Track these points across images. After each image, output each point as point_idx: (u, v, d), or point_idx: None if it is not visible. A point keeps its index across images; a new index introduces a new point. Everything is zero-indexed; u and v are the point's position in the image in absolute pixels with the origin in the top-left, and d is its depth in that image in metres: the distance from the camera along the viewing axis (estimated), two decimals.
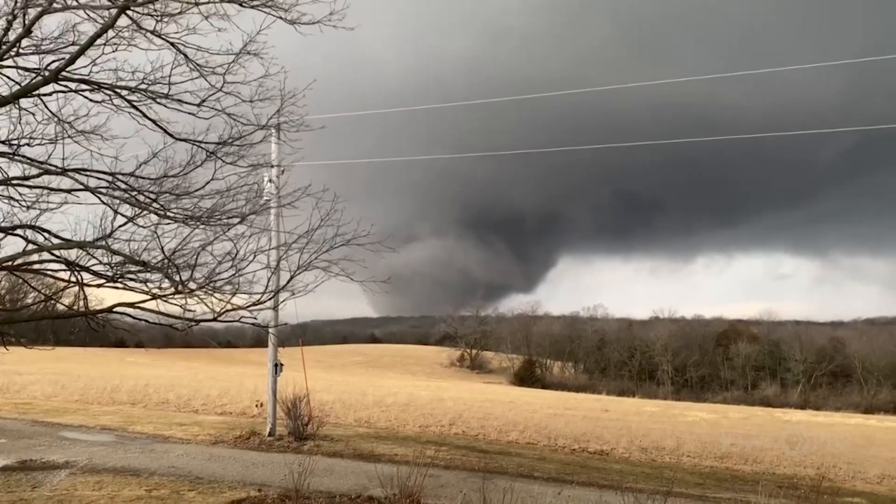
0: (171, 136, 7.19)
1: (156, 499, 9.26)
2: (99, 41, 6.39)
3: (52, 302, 8.46)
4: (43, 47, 6.65)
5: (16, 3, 6.13)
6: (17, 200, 7.13)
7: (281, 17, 6.83)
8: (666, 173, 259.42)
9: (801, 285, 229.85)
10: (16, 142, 6.97)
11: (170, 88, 6.80)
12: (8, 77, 6.73)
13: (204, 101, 6.98)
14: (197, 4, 6.52)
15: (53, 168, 6.79)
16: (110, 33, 6.42)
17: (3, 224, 6.97)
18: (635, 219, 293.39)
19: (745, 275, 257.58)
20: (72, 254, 7.01)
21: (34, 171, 6.84)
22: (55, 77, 6.44)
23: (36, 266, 7.20)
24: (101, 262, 7.10)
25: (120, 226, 7.05)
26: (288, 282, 8.03)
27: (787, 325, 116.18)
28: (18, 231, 6.99)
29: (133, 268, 7.07)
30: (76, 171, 6.84)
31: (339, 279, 8.34)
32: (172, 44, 6.70)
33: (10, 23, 6.27)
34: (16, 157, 6.87)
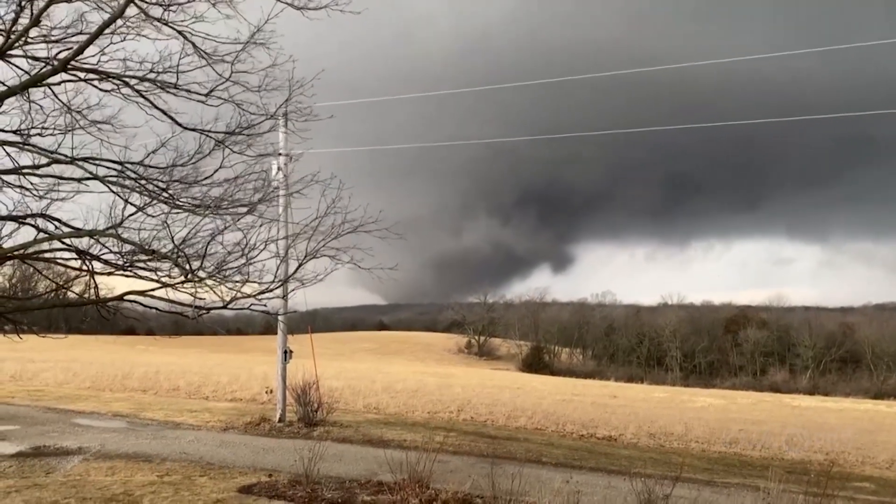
0: (179, 125, 7.21)
1: (168, 484, 9.36)
2: (107, 30, 6.39)
3: (64, 290, 8.52)
4: (52, 37, 6.67)
5: None
6: (27, 189, 7.19)
7: (288, 4, 6.81)
8: (681, 156, 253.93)
9: (808, 270, 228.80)
10: (26, 131, 7.02)
11: (178, 78, 6.81)
12: (17, 66, 6.76)
13: (212, 90, 6.98)
14: None
15: (63, 157, 6.83)
16: (118, 22, 6.42)
17: (14, 213, 7.03)
18: (649, 207, 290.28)
19: (756, 260, 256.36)
20: (82, 242, 7.05)
21: (44, 161, 6.88)
22: (64, 67, 6.45)
23: (47, 255, 7.25)
24: (111, 251, 7.14)
25: (130, 215, 7.08)
26: (296, 270, 8.05)
27: (796, 310, 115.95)
28: (29, 220, 7.04)
29: (143, 256, 7.10)
30: (86, 160, 6.88)
31: (348, 267, 8.37)
32: (180, 32, 6.70)
33: (18, 12, 6.28)
34: (26, 147, 6.92)
